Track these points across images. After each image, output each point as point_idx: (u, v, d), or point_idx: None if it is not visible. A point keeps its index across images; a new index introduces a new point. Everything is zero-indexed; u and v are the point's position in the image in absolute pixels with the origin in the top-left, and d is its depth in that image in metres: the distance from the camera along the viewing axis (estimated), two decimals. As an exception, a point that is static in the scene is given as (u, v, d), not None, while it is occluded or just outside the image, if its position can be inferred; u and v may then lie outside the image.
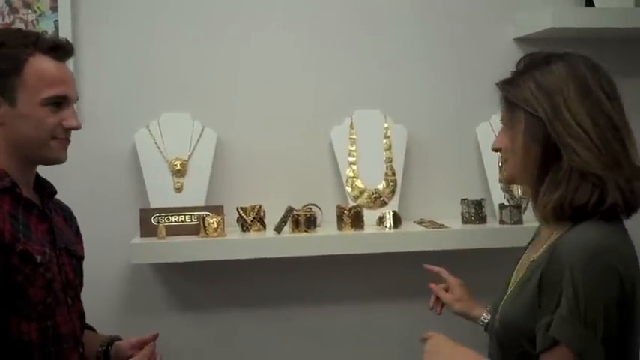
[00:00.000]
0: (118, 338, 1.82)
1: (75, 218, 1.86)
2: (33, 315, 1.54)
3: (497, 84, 1.54)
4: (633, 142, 1.48)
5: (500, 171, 1.61)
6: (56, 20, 2.28)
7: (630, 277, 1.38)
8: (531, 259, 1.50)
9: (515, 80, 1.50)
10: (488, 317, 1.77)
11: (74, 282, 1.70)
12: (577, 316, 1.33)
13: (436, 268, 1.95)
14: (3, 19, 2.27)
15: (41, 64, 1.59)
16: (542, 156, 1.46)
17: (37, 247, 1.57)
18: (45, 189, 1.72)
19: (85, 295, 2.23)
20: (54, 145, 1.63)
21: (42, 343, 1.56)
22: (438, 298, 1.89)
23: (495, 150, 1.58)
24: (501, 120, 1.55)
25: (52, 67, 1.61)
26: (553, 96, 1.44)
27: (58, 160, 1.67)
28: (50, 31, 2.27)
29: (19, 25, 2.26)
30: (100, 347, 1.78)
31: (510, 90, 1.49)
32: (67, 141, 1.66)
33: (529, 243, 1.64)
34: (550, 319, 1.36)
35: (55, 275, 1.61)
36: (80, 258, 1.76)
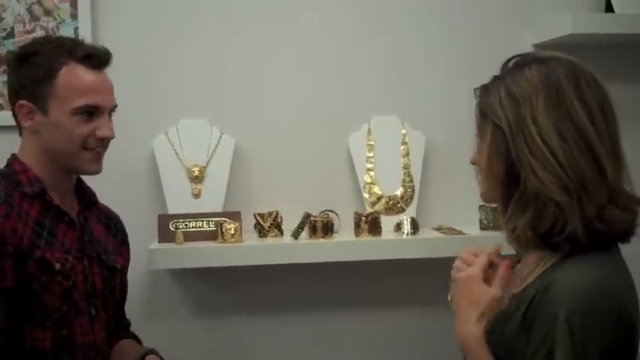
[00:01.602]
0: (154, 352, 1.78)
1: (122, 228, 1.86)
2: (48, 323, 1.54)
3: (474, 90, 1.39)
4: (620, 162, 1.30)
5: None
6: (76, 27, 2.30)
7: (632, 323, 1.23)
8: (513, 292, 1.34)
9: (490, 86, 1.35)
10: None
11: (102, 293, 1.68)
12: None
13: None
14: (24, 27, 2.29)
15: (73, 73, 1.60)
16: (506, 174, 1.30)
17: (58, 254, 1.57)
18: (85, 197, 1.73)
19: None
20: (86, 155, 1.62)
21: (55, 352, 1.55)
22: None
23: (472, 163, 1.42)
24: (476, 129, 1.39)
25: (84, 76, 1.61)
26: (520, 106, 1.28)
27: (90, 172, 1.67)
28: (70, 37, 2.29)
29: (39, 32, 2.28)
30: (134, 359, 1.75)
31: (483, 97, 1.35)
32: (101, 151, 1.66)
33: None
34: None
35: (78, 284, 1.60)
36: (114, 269, 1.73)
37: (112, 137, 1.66)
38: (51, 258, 1.55)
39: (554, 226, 1.26)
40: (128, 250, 1.87)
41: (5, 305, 1.49)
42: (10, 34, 2.28)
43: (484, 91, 1.36)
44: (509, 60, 1.38)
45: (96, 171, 1.67)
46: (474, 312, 1.33)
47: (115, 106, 1.69)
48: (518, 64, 1.35)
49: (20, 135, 1.67)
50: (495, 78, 1.36)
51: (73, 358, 1.59)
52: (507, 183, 1.31)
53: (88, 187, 1.76)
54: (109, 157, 2.25)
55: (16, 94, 1.62)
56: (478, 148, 1.37)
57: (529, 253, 1.36)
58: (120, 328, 1.86)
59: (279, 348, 2.40)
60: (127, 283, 1.87)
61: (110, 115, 1.67)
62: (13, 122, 1.67)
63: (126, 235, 1.87)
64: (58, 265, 1.55)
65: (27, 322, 1.53)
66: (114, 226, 1.82)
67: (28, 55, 1.61)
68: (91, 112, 1.61)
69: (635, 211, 1.30)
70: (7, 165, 1.64)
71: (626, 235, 1.30)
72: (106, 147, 1.67)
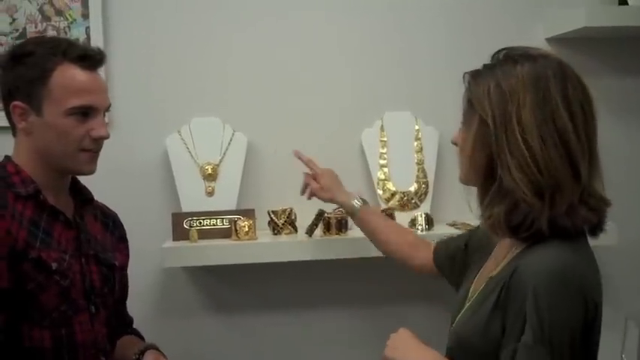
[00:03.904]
0: (153, 347, 1.81)
1: (120, 225, 1.85)
2: (46, 322, 1.54)
3: (463, 75, 1.42)
4: (594, 164, 1.35)
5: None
6: (87, 27, 2.30)
7: (594, 300, 1.30)
8: (489, 275, 1.41)
9: (480, 75, 1.38)
10: (359, 203, 1.95)
11: (101, 290, 1.68)
12: (542, 343, 1.25)
13: (305, 157, 2.08)
14: (35, 27, 2.29)
15: (67, 73, 1.59)
16: (487, 166, 1.35)
17: (55, 254, 1.56)
18: (81, 196, 1.72)
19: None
20: (82, 157, 1.62)
21: (55, 350, 1.56)
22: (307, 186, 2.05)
23: (453, 143, 1.47)
24: (462, 114, 1.43)
25: (79, 76, 1.60)
26: (507, 102, 1.31)
27: (85, 172, 1.66)
28: (82, 38, 2.29)
29: (51, 32, 2.28)
30: (134, 356, 1.77)
31: (472, 86, 1.38)
32: (96, 152, 1.65)
33: (482, 247, 1.58)
34: (515, 347, 1.27)
35: (76, 283, 1.59)
36: (112, 266, 1.73)
37: (107, 137, 1.65)
38: (47, 258, 1.54)
39: (524, 222, 1.31)
40: (127, 247, 1.87)
41: (2, 305, 1.49)
42: (22, 35, 2.28)
43: (473, 78, 1.38)
44: (499, 51, 1.41)
45: (90, 172, 1.66)
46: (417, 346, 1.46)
47: (109, 106, 1.69)
48: (510, 58, 1.37)
49: (14, 136, 1.66)
50: (486, 67, 1.39)
51: (74, 356, 1.59)
52: (487, 174, 1.36)
53: (84, 186, 1.75)
54: (122, 156, 2.29)
55: (10, 94, 1.60)
56: (463, 134, 1.41)
57: (503, 239, 1.42)
58: (122, 325, 1.87)
59: (293, 345, 2.39)
60: (127, 280, 1.86)
61: (104, 115, 1.66)
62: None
63: (124, 232, 1.86)
64: (54, 265, 1.55)
65: (24, 322, 1.53)
66: (111, 223, 1.82)
67: (23, 56, 1.60)
68: (85, 113, 1.60)
69: (603, 211, 1.37)
70: (1, 166, 1.63)
71: (593, 231, 1.38)
72: (100, 147, 1.66)
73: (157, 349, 1.81)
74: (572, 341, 1.26)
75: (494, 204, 1.35)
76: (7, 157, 1.66)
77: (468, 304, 1.44)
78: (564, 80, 1.33)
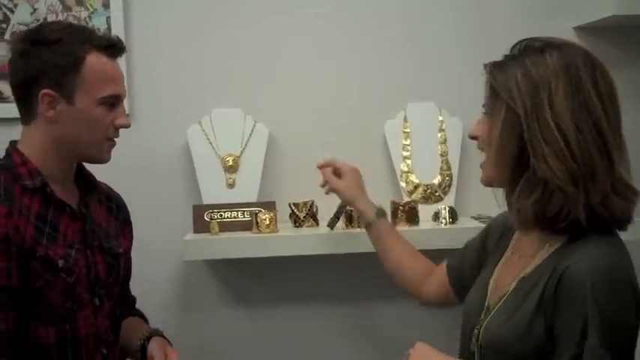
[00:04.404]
0: (158, 333, 1.80)
1: (124, 207, 1.84)
2: (51, 319, 1.53)
3: (485, 65, 1.40)
4: (624, 153, 1.34)
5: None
6: (108, 17, 2.29)
7: (637, 288, 1.30)
8: (522, 275, 1.37)
9: (505, 65, 1.36)
10: (377, 215, 1.85)
11: (106, 281, 1.67)
12: (608, 347, 1.22)
13: (328, 160, 1.98)
14: (56, 17, 2.28)
15: (98, 61, 1.58)
16: (518, 156, 1.32)
17: (61, 250, 1.55)
18: (85, 182, 1.70)
19: (138, 292, 2.25)
20: (106, 146, 1.63)
21: (59, 346, 1.55)
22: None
23: (472, 137, 1.44)
24: (483, 105, 1.41)
25: (108, 65, 1.60)
26: (538, 90, 1.29)
27: (104, 161, 1.66)
28: (102, 27, 2.28)
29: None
30: (139, 341, 1.75)
31: (496, 76, 1.35)
32: (115, 141, 1.66)
33: (500, 240, 1.54)
34: (577, 352, 1.24)
35: (81, 277, 1.58)
36: (116, 255, 1.72)
37: (129, 126, 1.66)
38: (54, 255, 1.53)
39: (560, 212, 1.29)
40: (131, 229, 1.86)
41: (13, 304, 1.48)
42: (43, 25, 2.28)
43: (497, 68, 1.36)
44: (520, 42, 1.39)
45: (107, 160, 1.67)
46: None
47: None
48: (535, 48, 1.36)
49: (25, 124, 1.62)
50: (509, 57, 1.37)
51: (78, 351, 1.58)
52: (517, 164, 1.33)
53: (89, 172, 1.73)
54: (143, 148, 2.29)
55: (33, 81, 1.56)
56: (487, 125, 1.38)
57: (528, 234, 1.40)
58: (125, 305, 1.85)
59: (314, 339, 2.38)
60: (130, 262, 1.85)
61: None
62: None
63: (128, 215, 1.85)
64: (61, 262, 1.54)
65: (31, 319, 1.52)
66: (115, 207, 1.80)
67: (51, 42, 1.56)
68: (112, 102, 1.61)
69: (633, 201, 1.35)
70: (7, 156, 1.61)
71: (623, 223, 1.35)
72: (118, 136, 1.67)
73: (162, 335, 1.80)
74: (630, 340, 1.27)
75: (525, 196, 1.33)
76: (12, 146, 1.62)
77: (497, 309, 1.40)
78: (593, 69, 1.33)
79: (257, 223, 2.15)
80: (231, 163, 2.27)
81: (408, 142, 2.33)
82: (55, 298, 1.53)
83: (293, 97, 2.35)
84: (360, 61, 2.37)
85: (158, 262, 2.30)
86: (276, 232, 2.15)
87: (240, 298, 2.36)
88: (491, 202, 2.30)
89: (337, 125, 2.35)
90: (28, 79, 1.57)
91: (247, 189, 2.26)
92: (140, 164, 2.30)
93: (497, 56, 2.33)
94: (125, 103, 2.22)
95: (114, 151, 2.24)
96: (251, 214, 2.17)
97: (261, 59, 2.34)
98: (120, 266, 1.74)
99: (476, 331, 1.42)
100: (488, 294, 1.45)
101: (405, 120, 2.34)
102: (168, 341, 1.79)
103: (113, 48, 1.62)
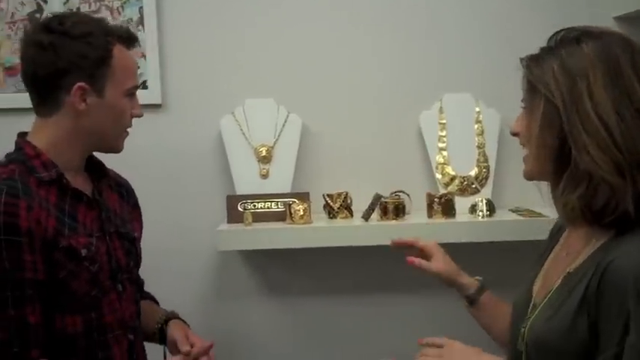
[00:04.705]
0: (175, 315, 1.80)
1: (132, 192, 1.84)
2: (77, 308, 1.53)
3: (521, 60, 1.37)
4: None
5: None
6: (141, 7, 2.28)
7: None
8: (567, 270, 1.34)
9: (541, 58, 1.33)
10: (481, 294, 1.68)
11: (127, 266, 1.67)
12: None
13: (409, 240, 1.75)
14: (89, 7, 2.28)
15: (123, 54, 1.60)
16: (559, 149, 1.29)
17: (83, 239, 1.55)
18: (98, 171, 1.70)
19: (173, 282, 2.25)
20: (124, 136, 1.66)
21: (86, 334, 1.55)
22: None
23: (513, 134, 1.42)
24: (522, 100, 1.38)
25: (130, 56, 1.64)
26: (576, 81, 1.26)
27: (120, 150, 1.68)
28: (135, 17, 2.28)
29: (104, 12, 2.28)
30: (157, 325, 1.76)
31: (533, 69, 1.33)
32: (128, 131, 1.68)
33: (551, 238, 1.49)
34: (619, 349, 1.20)
35: (103, 265, 1.58)
36: (133, 239, 1.73)
37: (142, 116, 1.68)
38: (77, 245, 1.53)
39: (607, 205, 1.25)
40: (140, 214, 1.86)
41: (40, 296, 1.48)
42: (77, 15, 2.27)
43: (533, 62, 1.33)
44: (557, 33, 1.35)
45: (122, 149, 1.68)
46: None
47: None
48: (571, 38, 1.32)
49: (40, 115, 1.60)
50: (545, 50, 1.33)
51: (104, 337, 1.58)
52: (560, 158, 1.29)
53: (98, 160, 1.72)
54: (176, 138, 2.28)
55: (64, 74, 1.54)
56: (525, 121, 1.35)
57: (577, 229, 1.36)
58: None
59: (347, 329, 2.35)
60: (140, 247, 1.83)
61: None
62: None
63: (136, 199, 1.85)
64: (84, 251, 1.54)
65: (57, 310, 1.52)
66: (125, 192, 1.80)
67: (82, 35, 1.55)
68: (133, 93, 1.64)
69: None
70: (18, 149, 1.59)
71: None
72: None
73: (178, 317, 1.80)
74: None
75: (570, 190, 1.29)
76: (22, 138, 1.60)
77: (542, 306, 1.36)
78: (633, 53, 1.29)
79: (291, 213, 2.13)
80: (264, 153, 2.25)
81: (444, 133, 2.29)
82: (80, 287, 1.53)
83: (327, 86, 2.32)
84: (396, 51, 2.33)
85: (192, 252, 2.30)
86: (310, 224, 2.13)
87: (273, 289, 2.35)
88: (530, 195, 2.26)
89: (372, 116, 2.32)
90: (58, 72, 1.55)
91: (281, 180, 2.24)
92: (173, 155, 2.30)
93: (536, 47, 2.31)
94: (158, 93, 2.27)
95: (147, 142, 2.28)
96: (285, 204, 2.16)
97: (295, 49, 2.32)
98: (137, 250, 1.75)
99: (522, 329, 1.38)
100: (535, 292, 1.42)
101: (441, 111, 2.30)
102: (186, 323, 1.80)
103: (131, 39, 1.64)
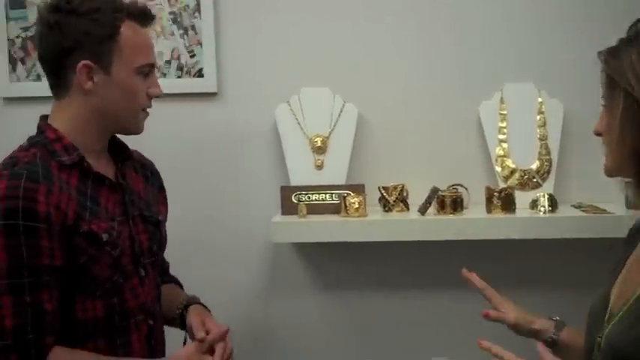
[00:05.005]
0: (196, 300, 1.78)
1: (157, 173, 1.82)
2: (99, 293, 1.53)
3: (599, 54, 1.30)
4: None
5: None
6: (197, -6, 2.26)
7: None
8: None
9: (619, 51, 1.27)
10: (559, 334, 1.54)
11: (149, 250, 1.66)
12: None
13: (477, 282, 1.68)
14: (144, -7, 2.27)
15: (133, 30, 1.56)
16: None
17: (104, 224, 1.53)
18: (120, 153, 1.69)
19: (226, 273, 2.25)
20: (141, 116, 1.62)
21: (107, 318, 1.54)
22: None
23: (596, 134, 1.35)
24: (602, 97, 1.32)
25: (142, 33, 1.59)
26: None
27: (138, 131, 1.64)
28: (192, 4, 2.27)
29: (160, -1, 2.27)
30: (177, 310, 1.75)
31: (610, 62, 1.27)
32: (148, 112, 1.64)
33: (629, 241, 1.42)
34: None
35: (125, 250, 1.57)
36: (157, 222, 1.71)
37: (161, 94, 1.63)
38: (98, 229, 1.51)
39: None
40: (165, 197, 1.84)
41: (57, 282, 1.48)
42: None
43: (611, 55, 1.27)
44: (636, 22, 1.28)
45: (142, 131, 1.65)
46: None
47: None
48: None
49: (57, 98, 1.59)
50: (624, 41, 1.27)
51: (126, 323, 1.58)
52: None
53: (121, 141, 1.71)
54: (231, 127, 2.27)
55: (70, 53, 1.53)
56: (606, 117, 1.30)
57: None
58: (160, 272, 1.83)
59: (400, 326, 2.32)
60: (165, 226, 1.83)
61: None
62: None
63: (161, 181, 1.83)
64: (105, 236, 1.52)
65: (78, 294, 1.51)
66: (150, 174, 1.79)
67: (87, 12, 1.53)
68: (147, 72, 1.59)
69: None
70: (40, 132, 1.58)
71: None
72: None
73: (199, 302, 1.78)
74: None
75: None
76: (44, 121, 1.60)
77: (623, 312, 1.30)
78: None
79: (346, 206, 2.10)
80: (319, 143, 2.21)
81: (504, 124, 2.22)
82: (101, 272, 1.52)
83: (383, 75, 2.27)
84: (454, 39, 2.26)
85: (246, 243, 2.30)
86: (365, 217, 2.09)
87: (327, 282, 2.33)
88: (594, 190, 2.22)
89: (429, 105, 2.27)
90: (64, 51, 1.54)
91: (336, 171, 2.21)
92: (228, 144, 2.29)
93: (600, 35, 2.18)
94: (214, 82, 2.25)
95: (201, 130, 2.27)
96: (339, 196, 2.12)
97: (352, 37, 2.27)
98: (161, 233, 1.73)
99: (598, 338, 1.32)
100: (612, 299, 1.35)
101: (502, 101, 2.23)
102: (206, 308, 1.77)
103: (145, 16, 1.60)
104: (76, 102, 1.57)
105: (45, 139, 1.55)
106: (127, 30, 1.55)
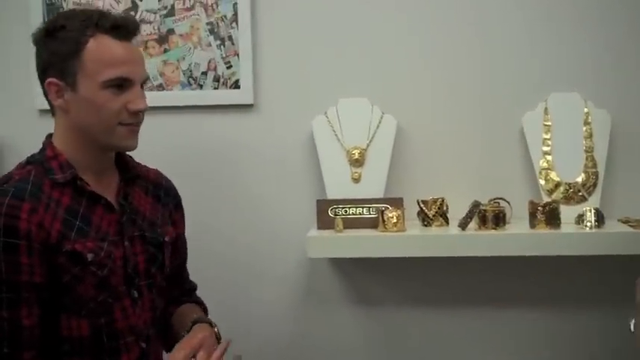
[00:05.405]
0: (204, 320, 1.72)
1: (173, 193, 1.80)
2: (83, 312, 1.53)
3: None
4: None
5: None
6: (235, 3, 2.25)
7: None
8: None
9: None
10: None
11: (146, 272, 1.64)
12: None
13: None
14: (184, 4, 2.28)
15: (100, 44, 1.54)
16: None
17: (91, 244, 1.53)
18: (127, 171, 1.68)
19: (262, 287, 2.22)
20: (121, 131, 1.57)
21: (94, 339, 1.54)
22: None
23: None
24: None
25: (113, 47, 1.55)
26: None
27: (126, 148, 1.62)
28: (229, 14, 2.25)
29: (198, 8, 2.27)
30: (184, 332, 1.69)
31: None
32: (137, 126, 1.60)
33: None
34: None
35: (116, 270, 1.56)
36: (160, 244, 1.68)
37: (146, 109, 1.59)
38: (82, 249, 1.52)
39: None
40: (183, 215, 1.82)
41: (37, 299, 1.49)
42: (171, 13, 2.27)
43: None
44: None
45: (131, 147, 1.62)
46: None
47: (147, 78, 1.64)
48: None
49: (53, 116, 1.63)
50: None
51: (115, 343, 1.57)
52: None
53: (130, 159, 1.70)
54: (267, 138, 2.25)
55: (44, 72, 1.57)
56: None
57: None
58: (181, 293, 1.83)
59: (438, 344, 2.27)
60: (186, 245, 1.82)
61: (142, 87, 1.61)
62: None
63: (179, 200, 1.81)
64: (90, 256, 1.52)
65: (62, 312, 1.52)
66: (163, 194, 1.77)
67: (55, 30, 1.55)
68: (120, 85, 1.55)
69: None
70: (42, 149, 1.61)
71: None
72: (140, 121, 1.61)
73: (208, 322, 1.71)
74: None
75: None
76: (48, 139, 1.63)
77: None
78: None
79: (383, 220, 2.05)
80: (357, 156, 2.17)
81: (548, 136, 2.16)
82: (85, 291, 1.53)
83: (423, 85, 2.23)
84: (497, 47, 2.21)
85: (281, 257, 2.28)
86: (404, 232, 2.05)
87: (363, 298, 2.29)
88: (642, 204, 2.15)
89: (470, 117, 2.22)
90: (42, 71, 1.58)
91: (373, 184, 2.17)
92: (264, 155, 2.27)
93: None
94: (250, 93, 2.23)
95: (238, 142, 2.25)
96: (377, 210, 2.08)
97: (391, 46, 2.23)
98: (164, 255, 1.71)
99: None
100: None
101: (546, 112, 2.17)
102: (212, 325, 1.69)
103: (120, 29, 1.57)
104: (61, 120, 1.61)
105: (44, 157, 1.59)
106: (95, 44, 1.54)
